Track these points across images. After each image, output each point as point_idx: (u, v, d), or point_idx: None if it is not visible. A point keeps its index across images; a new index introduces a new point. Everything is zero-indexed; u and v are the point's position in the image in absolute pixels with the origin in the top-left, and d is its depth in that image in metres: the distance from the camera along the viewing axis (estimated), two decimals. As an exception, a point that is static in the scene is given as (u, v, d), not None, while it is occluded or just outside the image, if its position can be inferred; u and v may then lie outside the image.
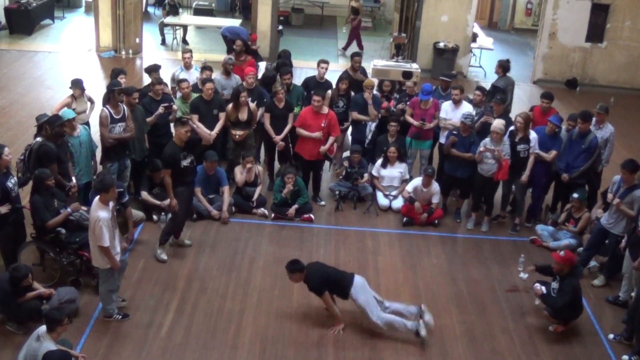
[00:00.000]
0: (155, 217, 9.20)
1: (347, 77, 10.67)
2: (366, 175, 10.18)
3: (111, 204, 6.97)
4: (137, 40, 16.50)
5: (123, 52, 16.11)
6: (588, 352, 7.46)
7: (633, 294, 7.81)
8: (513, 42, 20.42)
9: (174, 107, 9.64)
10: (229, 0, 21.31)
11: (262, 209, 9.68)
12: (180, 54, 11.44)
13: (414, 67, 11.51)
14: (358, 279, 7.35)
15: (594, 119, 9.51)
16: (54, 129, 8.07)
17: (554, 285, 7.58)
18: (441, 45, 16.18)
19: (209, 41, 17.98)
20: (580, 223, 9.16)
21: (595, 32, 16.16)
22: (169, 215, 8.63)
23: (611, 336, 7.65)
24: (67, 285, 7.50)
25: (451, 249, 9.25)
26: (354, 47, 17.25)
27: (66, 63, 15.43)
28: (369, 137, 10.47)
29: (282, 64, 11.08)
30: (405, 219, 9.72)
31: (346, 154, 10.82)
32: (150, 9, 20.90)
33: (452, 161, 9.70)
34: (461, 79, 15.44)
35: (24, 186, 8.09)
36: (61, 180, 8.08)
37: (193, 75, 10.71)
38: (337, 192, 10.02)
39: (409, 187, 9.77)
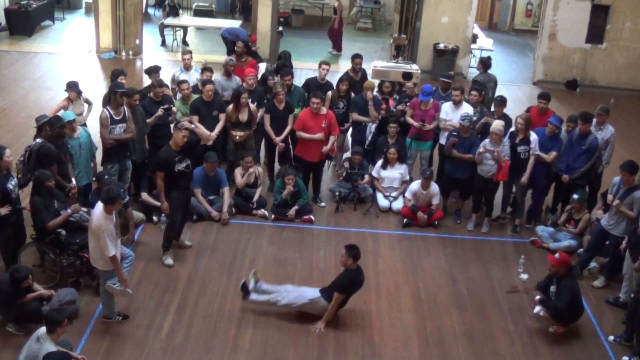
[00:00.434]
0: (155, 218, 9.19)
1: (347, 78, 10.68)
2: (366, 177, 10.18)
3: (114, 213, 7.01)
4: (137, 41, 16.52)
5: (123, 53, 16.12)
6: (588, 353, 7.45)
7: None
8: (513, 43, 20.43)
9: (173, 108, 9.64)
10: (229, 2, 21.33)
11: (262, 210, 9.68)
12: (180, 55, 11.44)
13: (414, 68, 11.49)
14: None
15: (594, 120, 9.53)
16: (54, 130, 8.07)
17: (552, 288, 7.58)
18: (441, 46, 16.19)
19: (209, 42, 17.99)
20: (581, 224, 9.16)
21: (596, 33, 16.17)
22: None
23: (611, 338, 7.64)
24: (67, 287, 7.50)
25: (451, 250, 9.25)
26: (349, 47, 17.23)
27: (66, 64, 15.44)
28: (369, 138, 10.48)
29: (283, 65, 11.08)
30: (405, 220, 9.72)
31: (347, 155, 10.83)
32: (150, 10, 20.92)
33: (452, 162, 9.71)
34: (461, 80, 15.44)
35: (24, 187, 8.09)
36: (61, 181, 8.08)
37: (193, 77, 10.71)
38: (337, 193, 10.02)
39: (408, 194, 9.77)
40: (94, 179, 8.87)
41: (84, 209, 7.87)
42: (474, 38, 17.19)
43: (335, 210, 9.95)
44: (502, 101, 10.03)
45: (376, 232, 9.57)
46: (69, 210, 7.65)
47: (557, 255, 7.61)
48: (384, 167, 10.12)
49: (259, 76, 11.08)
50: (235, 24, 16.77)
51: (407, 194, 9.80)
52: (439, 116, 10.07)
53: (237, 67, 10.97)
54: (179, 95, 10.17)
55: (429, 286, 8.41)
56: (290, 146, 10.35)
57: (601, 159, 9.51)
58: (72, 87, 9.64)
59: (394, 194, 10.12)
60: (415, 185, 9.75)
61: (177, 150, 8.12)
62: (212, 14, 19.96)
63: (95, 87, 13.45)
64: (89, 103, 9.96)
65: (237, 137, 9.78)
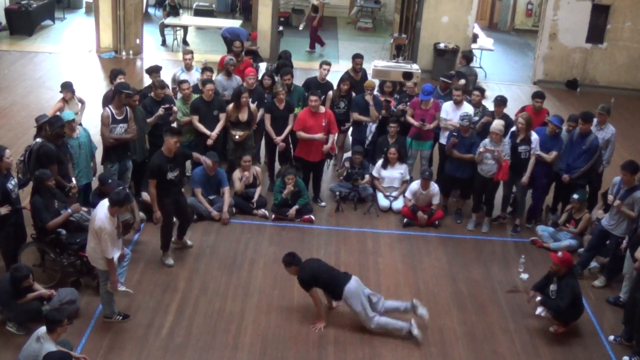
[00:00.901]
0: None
1: (348, 78, 10.67)
2: (367, 177, 10.17)
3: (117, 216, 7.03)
4: (138, 41, 16.52)
5: (123, 53, 16.12)
6: (588, 353, 7.45)
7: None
8: (513, 42, 20.43)
9: (174, 108, 9.64)
10: (230, 1, 21.32)
11: (263, 209, 9.68)
12: (181, 54, 11.45)
13: (415, 68, 11.50)
14: (353, 281, 7.37)
15: (595, 120, 9.52)
16: (53, 130, 8.07)
17: (553, 287, 7.58)
18: (441, 46, 16.19)
19: (210, 42, 17.99)
20: (581, 224, 9.16)
21: (596, 33, 16.16)
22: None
23: (611, 337, 7.64)
24: (67, 286, 7.51)
25: (452, 250, 9.24)
26: (349, 48, 17.23)
27: (67, 64, 15.45)
28: (369, 138, 10.48)
29: (283, 64, 11.09)
30: (405, 219, 9.72)
31: (347, 154, 10.83)
32: (151, 10, 20.91)
33: (453, 162, 9.71)
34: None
35: (24, 187, 8.10)
36: (61, 181, 8.07)
37: (194, 76, 10.71)
38: (337, 193, 10.02)
39: (408, 194, 9.78)
40: (97, 180, 8.86)
41: (84, 209, 7.87)
42: (475, 38, 17.19)
43: (335, 210, 9.96)
44: (502, 101, 10.02)
45: (376, 231, 9.57)
46: (69, 210, 7.65)
47: (560, 254, 7.60)
48: (384, 166, 10.11)
49: (259, 76, 11.08)
50: (235, 23, 16.78)
51: (407, 194, 9.80)
52: (440, 116, 10.08)
53: (235, 67, 10.96)
54: (179, 95, 10.17)
55: (429, 286, 8.41)
56: (291, 146, 10.35)
57: (601, 158, 9.50)
58: (67, 87, 9.64)
59: (394, 193, 10.12)
60: (415, 185, 9.75)
61: (170, 157, 8.01)
62: (213, 14, 19.96)
63: (96, 87, 13.46)
64: (82, 102, 9.96)
65: (237, 137, 9.78)
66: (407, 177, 10.16)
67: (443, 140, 10.08)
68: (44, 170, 7.65)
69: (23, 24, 17.21)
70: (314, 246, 9.08)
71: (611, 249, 8.48)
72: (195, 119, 9.71)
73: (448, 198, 10.15)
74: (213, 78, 10.28)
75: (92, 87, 13.30)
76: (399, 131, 10.21)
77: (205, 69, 10.36)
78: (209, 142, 9.71)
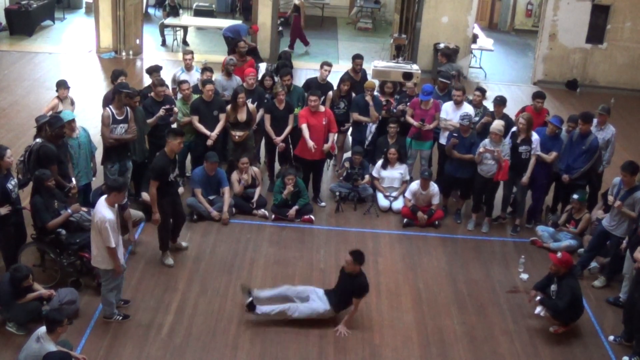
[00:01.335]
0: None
1: (348, 78, 10.67)
2: (367, 177, 10.18)
3: (116, 206, 7.00)
4: (138, 41, 16.51)
5: (123, 53, 16.12)
6: (588, 353, 7.45)
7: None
8: (513, 43, 20.43)
9: (175, 109, 9.65)
10: (229, 2, 21.32)
11: (263, 210, 9.68)
12: (181, 55, 11.44)
13: (415, 68, 11.51)
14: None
15: (595, 120, 9.52)
16: (53, 130, 8.08)
17: (553, 287, 7.58)
18: (442, 46, 16.18)
19: (210, 42, 17.99)
20: (581, 224, 9.16)
21: (596, 33, 16.17)
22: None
23: (611, 338, 7.64)
24: (67, 286, 7.51)
25: (451, 250, 9.25)
26: (349, 48, 17.23)
27: (67, 64, 15.44)
28: (369, 138, 10.48)
29: (283, 65, 11.09)
30: (405, 220, 9.72)
31: (347, 155, 10.83)
32: (151, 10, 20.90)
33: (453, 162, 9.71)
34: (462, 80, 15.42)
35: (24, 187, 8.10)
36: (61, 181, 8.08)
37: (194, 77, 10.71)
38: (337, 193, 10.02)
39: (408, 194, 9.78)
40: (94, 178, 8.88)
41: (84, 209, 7.88)
42: (474, 38, 17.19)
43: (335, 210, 9.96)
44: (502, 101, 10.02)
45: (376, 232, 9.57)
46: (69, 210, 7.65)
47: (559, 254, 7.60)
48: (384, 167, 10.12)
49: (259, 76, 11.08)
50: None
51: (407, 194, 9.81)
52: (439, 116, 10.08)
53: (237, 67, 10.96)
54: (179, 96, 10.17)
55: (429, 286, 8.41)
56: (291, 146, 10.35)
57: (601, 159, 9.51)
58: (63, 85, 9.64)
59: (394, 193, 10.13)
60: (415, 185, 9.75)
61: (172, 159, 8.05)
62: (212, 14, 19.95)
63: (96, 87, 13.47)
64: (72, 103, 9.95)
65: (237, 137, 9.78)
66: (407, 178, 10.16)
67: (443, 140, 10.09)
68: (44, 170, 7.66)
69: (23, 24, 17.20)
70: (313, 246, 9.08)
71: (611, 250, 8.49)
72: (195, 119, 9.71)
73: (448, 198, 10.15)
74: (213, 78, 10.28)
75: (92, 88, 13.31)
76: (399, 131, 10.22)
77: (205, 69, 10.36)
78: (209, 142, 9.73)
